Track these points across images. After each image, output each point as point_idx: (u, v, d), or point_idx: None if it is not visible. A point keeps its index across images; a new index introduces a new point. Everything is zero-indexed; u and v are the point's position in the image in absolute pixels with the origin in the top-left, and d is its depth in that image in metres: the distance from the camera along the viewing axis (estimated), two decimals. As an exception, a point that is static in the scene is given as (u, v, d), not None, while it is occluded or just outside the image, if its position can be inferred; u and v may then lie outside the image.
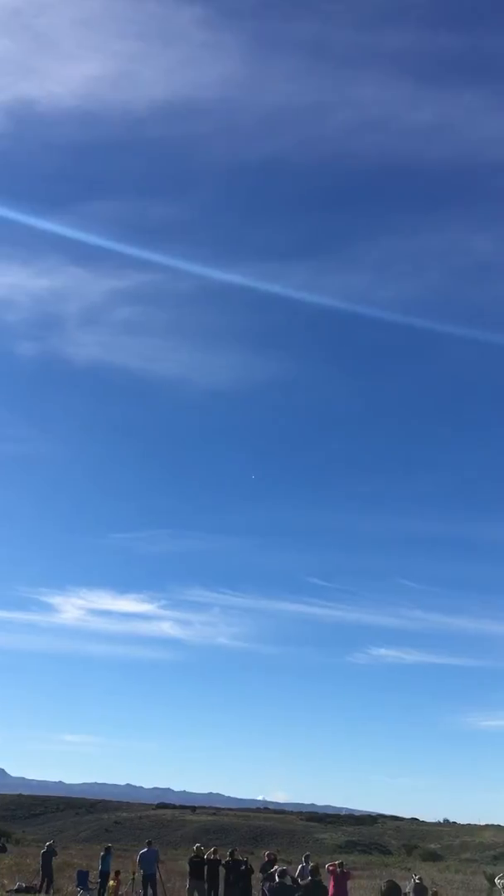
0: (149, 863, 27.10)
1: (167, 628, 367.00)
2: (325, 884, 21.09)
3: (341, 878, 22.69)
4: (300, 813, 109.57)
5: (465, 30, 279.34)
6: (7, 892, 29.72)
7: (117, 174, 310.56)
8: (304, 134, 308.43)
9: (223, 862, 26.16)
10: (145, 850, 27.75)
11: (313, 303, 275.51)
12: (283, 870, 18.60)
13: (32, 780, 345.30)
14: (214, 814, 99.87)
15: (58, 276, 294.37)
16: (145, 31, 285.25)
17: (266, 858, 26.41)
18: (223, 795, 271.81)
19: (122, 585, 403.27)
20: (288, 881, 17.88)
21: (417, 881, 25.71)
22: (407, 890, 25.17)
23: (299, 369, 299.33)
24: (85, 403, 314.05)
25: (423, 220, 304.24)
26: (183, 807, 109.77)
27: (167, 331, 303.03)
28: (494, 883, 31.66)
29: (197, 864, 25.84)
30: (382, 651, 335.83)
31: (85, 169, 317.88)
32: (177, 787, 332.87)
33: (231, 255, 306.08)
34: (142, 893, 27.10)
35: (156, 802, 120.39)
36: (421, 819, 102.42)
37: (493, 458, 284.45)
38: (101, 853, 31.05)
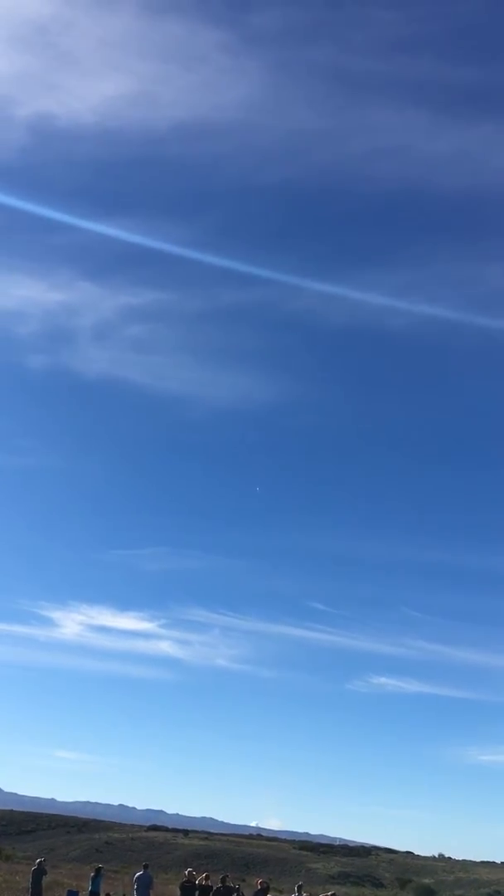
0: (143, 886, 26.78)
1: (166, 647, 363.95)
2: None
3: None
4: (293, 841, 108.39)
5: (484, 62, 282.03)
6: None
7: (134, 192, 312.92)
8: (320, 159, 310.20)
9: (214, 888, 25.85)
10: (141, 872, 27.44)
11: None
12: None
13: (25, 796, 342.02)
14: (207, 838, 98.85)
15: (70, 290, 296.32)
16: (167, 52, 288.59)
17: (258, 886, 26.10)
18: (216, 820, 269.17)
19: (123, 602, 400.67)
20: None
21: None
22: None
23: (306, 391, 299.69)
24: (91, 418, 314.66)
25: (436, 249, 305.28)
26: (175, 830, 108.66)
27: (176, 349, 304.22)
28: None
29: (188, 890, 25.53)
30: (383, 680, 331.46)
31: (102, 186, 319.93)
32: (170, 810, 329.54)
33: (242, 276, 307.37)
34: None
35: (148, 824, 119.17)
36: (416, 853, 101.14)
37: (502, 488, 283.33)
38: (91, 874, 30.74)
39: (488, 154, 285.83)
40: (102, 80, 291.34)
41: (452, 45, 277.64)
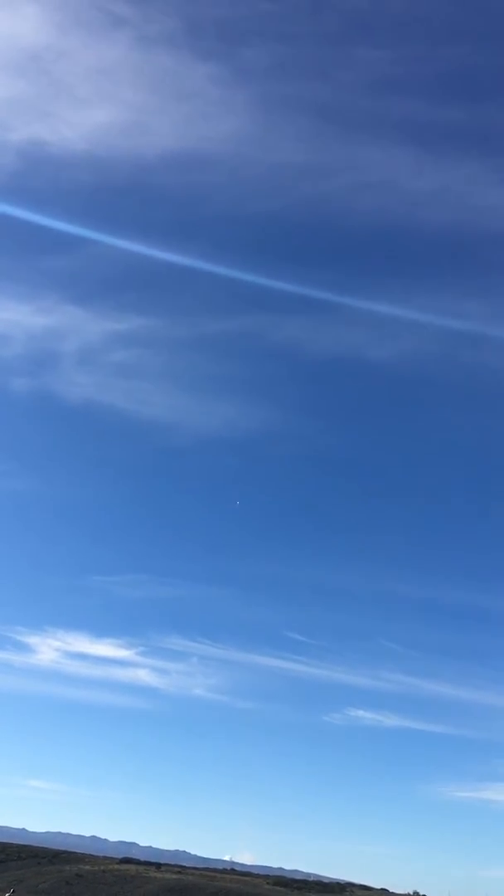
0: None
1: (143, 676, 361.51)
2: None
3: None
4: (267, 876, 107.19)
5: (468, 102, 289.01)
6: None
7: (122, 219, 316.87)
8: (306, 192, 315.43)
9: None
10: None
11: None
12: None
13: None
14: (179, 872, 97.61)
15: (56, 314, 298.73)
16: (159, 83, 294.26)
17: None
18: (189, 853, 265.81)
19: (100, 629, 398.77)
20: None
21: None
22: None
23: (289, 420, 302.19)
24: (74, 442, 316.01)
25: (418, 283, 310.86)
26: (148, 863, 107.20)
27: (161, 375, 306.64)
28: None
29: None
30: (360, 713, 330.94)
31: (91, 212, 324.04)
32: (143, 842, 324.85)
33: (228, 305, 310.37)
34: None
35: (120, 857, 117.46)
36: (391, 889, 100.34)
37: (485, 525, 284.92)
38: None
39: (471, 191, 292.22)
40: (94, 109, 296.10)
41: (438, 86, 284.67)
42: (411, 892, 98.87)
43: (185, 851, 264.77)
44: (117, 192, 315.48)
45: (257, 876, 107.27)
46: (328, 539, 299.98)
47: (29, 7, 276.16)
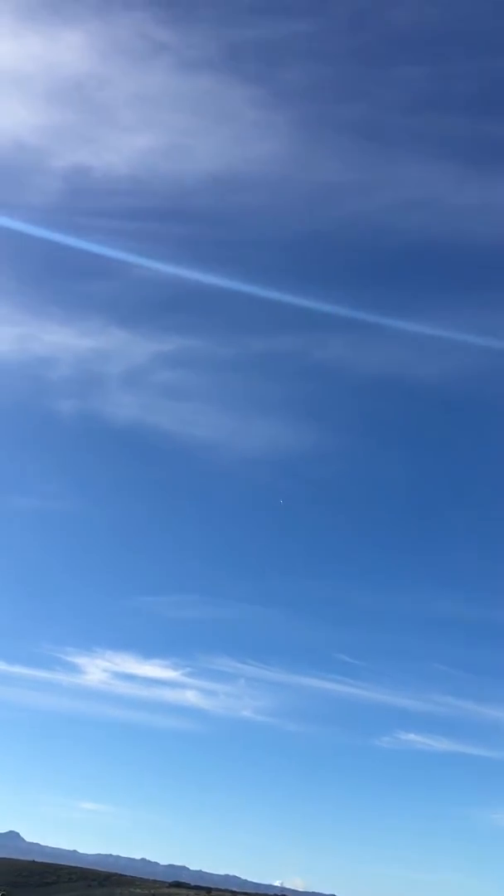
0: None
1: (191, 697, 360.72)
2: None
3: None
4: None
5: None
6: None
7: (165, 242, 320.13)
8: (348, 211, 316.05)
9: None
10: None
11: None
12: None
13: (47, 846, 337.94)
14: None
15: (102, 336, 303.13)
16: (199, 107, 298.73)
17: None
18: (239, 878, 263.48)
19: (148, 650, 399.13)
20: None
21: None
22: None
23: (335, 440, 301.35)
24: (121, 463, 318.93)
25: (463, 300, 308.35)
26: (198, 887, 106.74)
27: (206, 395, 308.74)
28: None
29: None
30: (411, 736, 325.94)
31: (134, 235, 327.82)
32: (193, 866, 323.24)
33: (271, 325, 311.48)
34: None
35: (170, 880, 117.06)
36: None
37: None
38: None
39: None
40: (137, 134, 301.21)
41: (479, 100, 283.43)
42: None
43: (235, 876, 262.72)
44: (160, 214, 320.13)
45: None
46: (376, 559, 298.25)
47: (72, 36, 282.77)
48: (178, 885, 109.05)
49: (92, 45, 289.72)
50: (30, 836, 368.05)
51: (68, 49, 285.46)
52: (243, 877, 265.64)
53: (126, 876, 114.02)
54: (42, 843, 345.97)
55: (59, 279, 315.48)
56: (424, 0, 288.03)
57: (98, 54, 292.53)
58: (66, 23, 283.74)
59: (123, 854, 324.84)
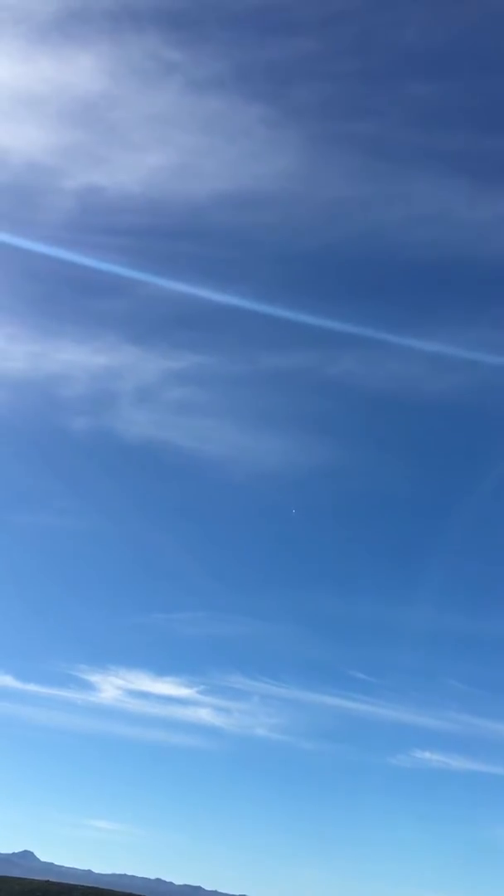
0: None
1: (205, 715, 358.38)
2: None
3: None
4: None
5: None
6: None
7: (177, 260, 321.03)
8: (358, 227, 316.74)
9: None
10: None
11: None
12: None
13: (61, 866, 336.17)
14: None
15: (114, 354, 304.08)
16: (209, 126, 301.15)
17: None
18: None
19: (161, 667, 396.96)
20: None
21: None
22: None
23: (347, 456, 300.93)
24: (134, 480, 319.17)
25: (477, 316, 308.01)
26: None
27: (217, 412, 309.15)
28: None
29: None
30: (427, 755, 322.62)
31: (146, 254, 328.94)
32: (208, 886, 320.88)
33: (282, 342, 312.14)
34: None
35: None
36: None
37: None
38: None
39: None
40: (148, 153, 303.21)
41: (489, 116, 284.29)
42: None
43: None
44: (171, 233, 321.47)
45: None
46: (390, 575, 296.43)
47: (84, 58, 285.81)
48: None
49: (103, 66, 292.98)
50: (44, 855, 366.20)
51: (80, 71, 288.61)
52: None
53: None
54: (56, 862, 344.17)
55: (72, 298, 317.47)
56: (431, 18, 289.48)
57: (109, 76, 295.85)
58: (77, 45, 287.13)
59: (139, 874, 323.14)
